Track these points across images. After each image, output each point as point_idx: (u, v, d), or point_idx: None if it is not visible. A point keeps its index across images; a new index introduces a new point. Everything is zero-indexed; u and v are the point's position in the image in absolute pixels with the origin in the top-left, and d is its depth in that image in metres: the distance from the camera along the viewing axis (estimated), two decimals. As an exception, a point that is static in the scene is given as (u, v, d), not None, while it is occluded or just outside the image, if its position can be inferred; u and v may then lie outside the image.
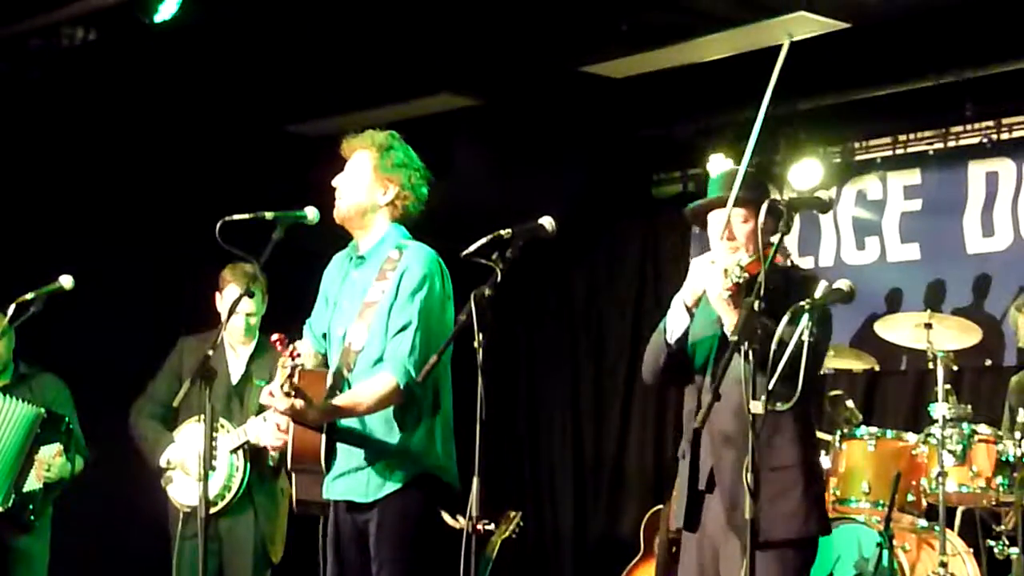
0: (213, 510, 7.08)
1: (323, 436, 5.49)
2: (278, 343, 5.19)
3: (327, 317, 5.79)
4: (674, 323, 5.32)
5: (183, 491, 7.22)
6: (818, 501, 5.34)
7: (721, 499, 5.26)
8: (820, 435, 8.31)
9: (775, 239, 5.12)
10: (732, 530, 5.21)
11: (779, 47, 8.01)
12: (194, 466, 7.08)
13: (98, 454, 7.98)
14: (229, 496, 7.16)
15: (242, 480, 7.17)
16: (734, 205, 5.25)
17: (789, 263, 5.54)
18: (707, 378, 5.29)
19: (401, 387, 5.37)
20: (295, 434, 5.52)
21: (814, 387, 5.57)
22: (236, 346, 7.42)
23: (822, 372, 9.03)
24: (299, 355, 5.18)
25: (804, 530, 5.25)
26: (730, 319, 5.07)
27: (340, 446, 5.53)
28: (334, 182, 5.64)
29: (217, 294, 7.34)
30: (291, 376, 5.18)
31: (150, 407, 7.51)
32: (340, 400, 5.43)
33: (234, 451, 7.14)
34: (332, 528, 5.62)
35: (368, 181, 5.60)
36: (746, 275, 4.97)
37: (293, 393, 5.22)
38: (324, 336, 5.81)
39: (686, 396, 5.51)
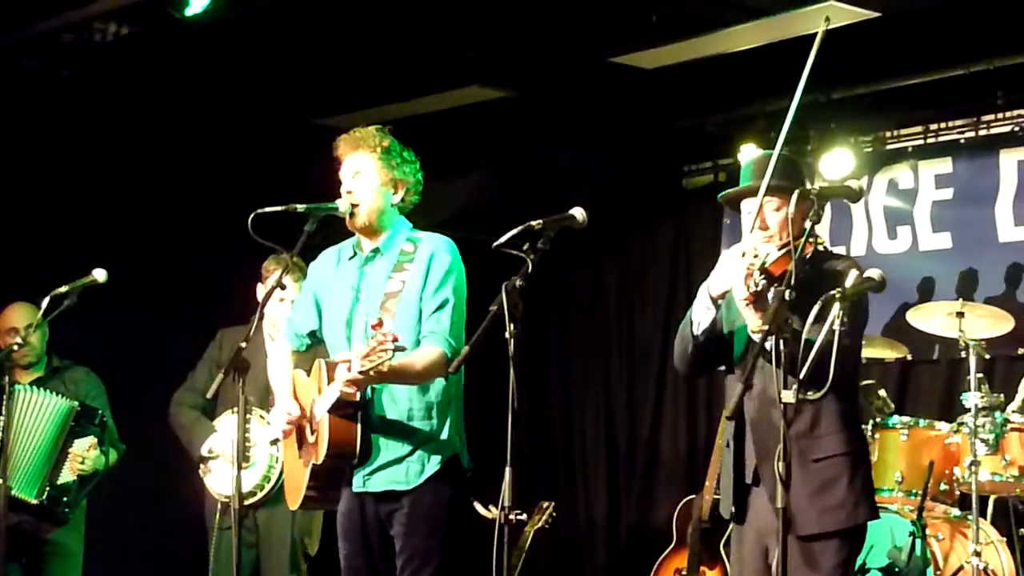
0: (251, 501, 7.10)
1: (358, 425, 5.57)
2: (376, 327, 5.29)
3: (311, 315, 5.92)
4: (699, 315, 5.32)
5: (222, 481, 7.21)
6: (865, 488, 5.30)
7: (766, 491, 5.24)
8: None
9: (808, 226, 5.08)
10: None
11: (811, 36, 8.08)
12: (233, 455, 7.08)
13: (133, 447, 8.03)
14: (268, 487, 7.14)
15: (280, 472, 7.16)
16: (766, 193, 5.21)
17: (822, 247, 5.46)
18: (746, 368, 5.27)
19: (448, 357, 5.49)
20: (331, 425, 5.56)
21: (855, 376, 5.59)
22: (276, 337, 7.36)
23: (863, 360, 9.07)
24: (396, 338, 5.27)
25: (852, 519, 5.23)
26: (752, 321, 5.06)
27: (380, 440, 5.61)
28: (344, 188, 5.74)
29: (259, 285, 7.34)
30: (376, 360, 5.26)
31: (190, 397, 7.50)
32: (396, 361, 5.42)
33: (273, 443, 7.13)
34: (354, 519, 5.72)
35: (378, 183, 5.73)
36: (764, 281, 4.95)
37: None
38: (312, 334, 5.95)
39: (727, 386, 5.52)
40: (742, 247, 5.15)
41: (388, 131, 5.83)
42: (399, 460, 5.59)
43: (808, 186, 5.22)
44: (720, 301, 5.27)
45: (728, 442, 5.43)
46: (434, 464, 5.58)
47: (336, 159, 5.81)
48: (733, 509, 5.40)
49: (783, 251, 5.07)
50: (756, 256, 5.02)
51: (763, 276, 4.96)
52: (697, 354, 5.39)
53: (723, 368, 5.51)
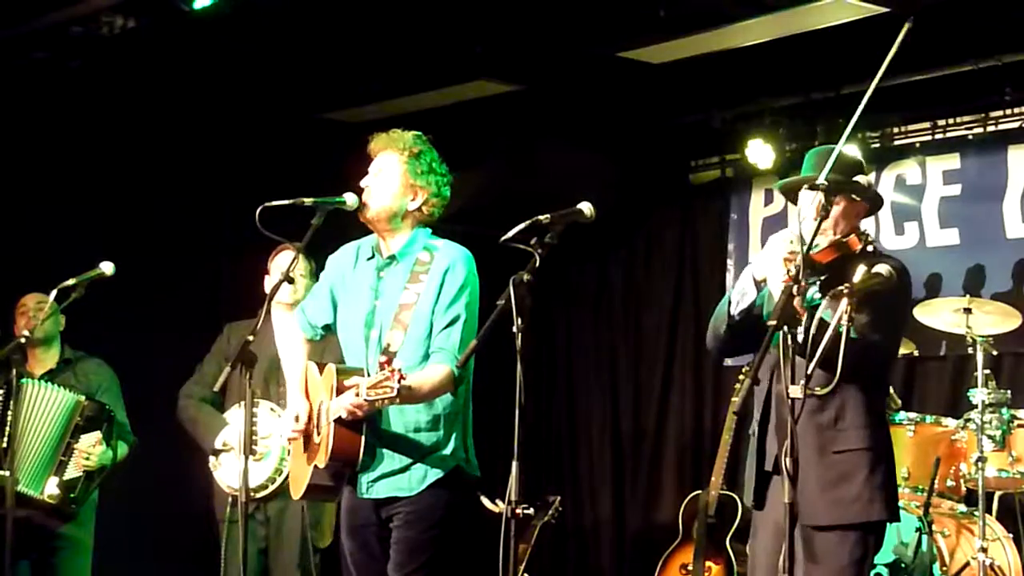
0: (263, 494, 7.10)
1: (362, 437, 5.57)
2: (384, 364, 5.27)
3: (327, 309, 5.89)
4: (739, 295, 5.33)
5: (233, 474, 7.17)
6: (884, 486, 5.25)
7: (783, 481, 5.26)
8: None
9: (864, 224, 5.26)
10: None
11: (819, 32, 8.09)
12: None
13: (142, 440, 8.01)
14: (280, 480, 7.09)
15: (292, 465, 7.14)
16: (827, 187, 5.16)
17: (871, 248, 5.42)
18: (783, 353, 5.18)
19: (455, 376, 5.47)
20: (336, 434, 5.55)
21: (884, 372, 5.60)
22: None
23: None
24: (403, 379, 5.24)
25: (865, 515, 5.20)
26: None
27: (385, 451, 5.62)
28: (363, 183, 5.71)
29: (267, 277, 7.32)
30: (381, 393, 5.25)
31: (199, 390, 7.47)
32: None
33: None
34: (356, 517, 5.73)
35: (397, 186, 5.69)
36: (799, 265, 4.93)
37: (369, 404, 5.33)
38: (326, 327, 5.91)
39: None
40: (792, 232, 5.18)
41: (427, 140, 5.77)
42: (403, 469, 5.60)
43: (865, 186, 5.34)
44: (763, 285, 5.25)
45: (753, 430, 5.43)
46: (436, 473, 5.59)
47: (368, 155, 5.78)
48: (753, 498, 5.42)
49: (831, 243, 5.14)
50: (803, 243, 5.02)
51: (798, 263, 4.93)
52: (730, 333, 5.40)
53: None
